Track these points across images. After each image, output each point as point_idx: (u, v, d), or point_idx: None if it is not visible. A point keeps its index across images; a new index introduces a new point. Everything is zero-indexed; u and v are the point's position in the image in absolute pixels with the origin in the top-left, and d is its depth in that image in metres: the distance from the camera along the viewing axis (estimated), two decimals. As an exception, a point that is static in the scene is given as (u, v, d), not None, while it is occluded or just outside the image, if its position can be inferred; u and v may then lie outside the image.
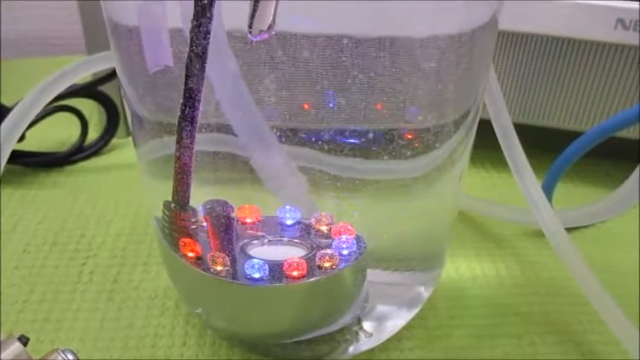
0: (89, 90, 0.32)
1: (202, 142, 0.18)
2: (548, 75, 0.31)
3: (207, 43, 0.15)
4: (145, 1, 0.16)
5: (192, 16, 0.14)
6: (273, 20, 0.15)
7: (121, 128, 0.36)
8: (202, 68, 0.15)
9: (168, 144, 0.17)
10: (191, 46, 0.15)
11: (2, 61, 0.50)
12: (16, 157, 0.32)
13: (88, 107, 0.34)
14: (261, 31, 0.15)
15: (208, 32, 0.15)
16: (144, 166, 0.21)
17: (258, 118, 0.18)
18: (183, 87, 0.15)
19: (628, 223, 0.30)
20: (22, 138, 0.30)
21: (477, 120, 0.20)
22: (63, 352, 0.15)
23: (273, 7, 0.14)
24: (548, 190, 0.27)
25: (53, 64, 0.25)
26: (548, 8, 0.28)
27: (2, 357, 0.13)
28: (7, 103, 0.31)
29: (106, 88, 0.33)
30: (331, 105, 0.18)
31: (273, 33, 0.15)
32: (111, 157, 0.35)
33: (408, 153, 0.19)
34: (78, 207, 0.30)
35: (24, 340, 0.14)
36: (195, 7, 0.14)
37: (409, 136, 0.19)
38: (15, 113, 0.22)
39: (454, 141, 0.19)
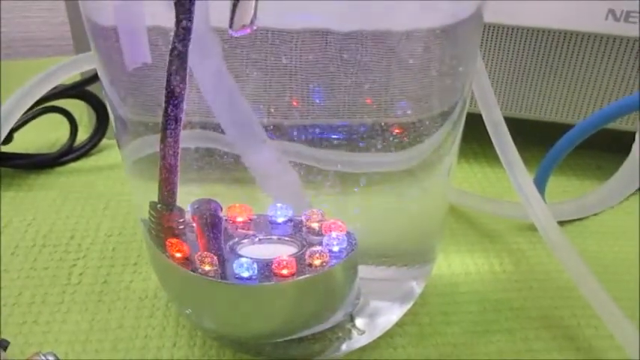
0: (77, 90, 0.32)
1: (189, 139, 0.18)
2: (539, 67, 0.31)
3: (189, 40, 0.15)
4: (123, 0, 0.16)
5: (173, 13, 0.14)
6: (254, 15, 0.14)
7: (111, 129, 0.36)
8: (184, 65, 0.15)
9: (152, 143, 0.17)
10: (172, 43, 0.15)
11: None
12: (5, 159, 0.32)
13: (78, 108, 0.34)
14: (243, 26, 0.15)
15: (189, 28, 0.15)
16: (129, 167, 0.20)
17: (248, 115, 0.18)
18: (165, 85, 0.15)
19: (621, 216, 0.30)
20: (10, 140, 0.30)
21: (465, 113, 0.20)
22: (45, 355, 0.15)
23: (254, 1, 0.14)
24: (540, 183, 0.27)
25: (43, 66, 0.25)
26: (539, 1, 0.28)
27: (-20, 362, 0.13)
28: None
29: (95, 89, 0.33)
30: (318, 100, 0.17)
31: (255, 28, 0.14)
32: (100, 157, 0.35)
33: (396, 146, 0.18)
34: (67, 208, 0.30)
35: (4, 344, 0.14)
36: (175, 4, 0.14)
37: (397, 130, 0.18)
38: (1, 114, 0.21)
39: (441, 133, 0.19)
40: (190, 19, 0.15)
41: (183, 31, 0.15)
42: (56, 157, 0.33)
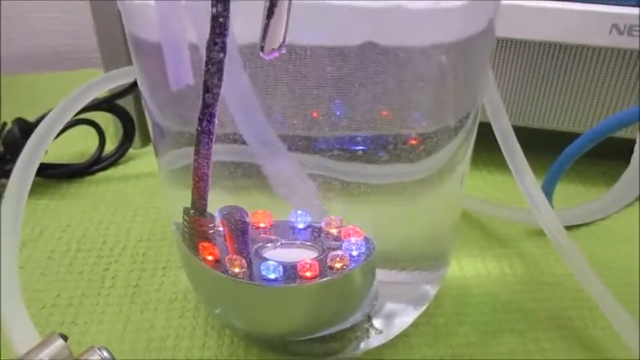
0: (108, 104, 0.33)
1: (218, 151, 0.19)
2: (547, 79, 0.32)
3: (224, 60, 0.16)
4: (166, 19, 0.17)
5: (208, 35, 0.15)
6: (284, 39, 0.16)
7: (136, 139, 0.37)
8: (219, 84, 0.16)
9: (187, 154, 0.18)
10: (207, 63, 0.16)
11: (18, 75, 0.52)
12: (39, 169, 0.33)
13: (104, 119, 0.36)
14: (273, 49, 0.16)
15: (224, 50, 0.16)
16: (164, 174, 0.22)
17: (268, 129, 0.19)
18: (201, 101, 0.16)
19: (626, 221, 0.31)
20: (45, 152, 0.32)
21: (477, 122, 0.21)
22: (99, 349, 0.16)
23: (284, 26, 0.16)
24: (548, 190, 0.28)
25: (68, 78, 0.26)
26: (546, 15, 0.29)
27: (47, 351, 0.15)
28: (20, 117, 0.33)
29: (121, 101, 0.35)
30: (338, 113, 0.18)
31: (284, 51, 0.16)
32: (128, 167, 0.36)
33: (412, 157, 0.19)
34: (99, 215, 0.31)
35: (64, 338, 0.16)
36: (211, 26, 0.15)
37: (412, 141, 0.19)
38: (42, 128, 0.23)
39: (455, 143, 0.20)
40: (225, 40, 0.16)
41: (218, 51, 0.16)
42: (86, 167, 0.35)
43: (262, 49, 0.15)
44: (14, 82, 0.50)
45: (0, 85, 0.47)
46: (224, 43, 0.16)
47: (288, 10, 0.15)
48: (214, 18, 0.15)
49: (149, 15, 0.17)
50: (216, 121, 0.17)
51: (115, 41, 0.35)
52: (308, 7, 0.16)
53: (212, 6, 0.15)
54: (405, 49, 0.17)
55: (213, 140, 0.17)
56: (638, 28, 0.27)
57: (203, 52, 0.16)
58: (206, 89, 0.16)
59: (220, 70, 0.16)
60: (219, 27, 0.15)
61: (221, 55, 0.16)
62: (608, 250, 0.29)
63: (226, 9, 0.15)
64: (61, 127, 0.23)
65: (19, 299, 0.20)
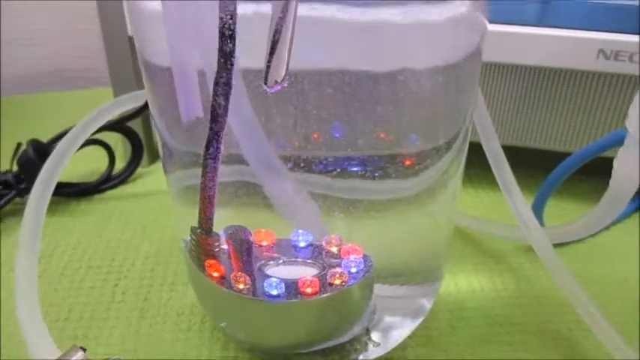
0: (119, 125, 0.35)
1: (223, 172, 0.19)
2: (536, 102, 0.33)
3: (230, 92, 0.17)
4: (177, 55, 0.18)
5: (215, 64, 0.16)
6: (286, 72, 0.17)
7: (144, 157, 0.38)
8: (225, 113, 0.17)
9: (195, 174, 0.19)
10: (215, 94, 0.17)
11: (23, 95, 0.53)
12: None
13: (112, 139, 0.37)
14: (276, 82, 0.17)
15: (230, 83, 0.17)
16: (174, 193, 0.22)
17: (270, 152, 0.19)
18: (208, 129, 0.17)
19: (613, 238, 0.32)
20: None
21: (468, 140, 0.22)
22: (113, 360, 0.17)
23: (286, 61, 0.17)
24: (538, 207, 0.29)
25: (72, 98, 0.27)
26: (536, 41, 0.30)
27: (69, 362, 0.16)
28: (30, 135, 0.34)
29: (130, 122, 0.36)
30: (336, 135, 0.19)
31: (286, 85, 0.17)
32: (136, 185, 0.37)
33: (406, 175, 0.20)
34: (108, 233, 0.32)
35: (84, 350, 0.17)
36: (218, 61, 0.16)
37: (407, 160, 0.20)
38: (59, 149, 0.24)
39: (447, 161, 0.21)
40: (230, 74, 0.17)
41: (224, 85, 0.17)
42: (96, 186, 0.36)
43: (266, 82, 0.17)
44: (20, 102, 0.51)
45: (1, 105, 0.48)
46: (230, 77, 0.17)
47: (290, 49, 0.16)
48: (222, 54, 0.16)
49: (161, 42, 0.18)
50: (222, 148, 0.18)
51: (124, 62, 0.36)
52: (305, 32, 0.16)
53: (220, 43, 0.16)
54: (399, 73, 0.18)
55: (219, 165, 0.18)
56: (625, 53, 0.29)
57: (210, 77, 0.17)
58: (213, 118, 0.17)
59: (226, 101, 0.17)
60: (226, 62, 0.17)
61: (227, 88, 0.17)
62: (597, 266, 0.30)
63: (234, 45, 0.16)
64: (77, 147, 0.25)
65: (39, 313, 0.21)
